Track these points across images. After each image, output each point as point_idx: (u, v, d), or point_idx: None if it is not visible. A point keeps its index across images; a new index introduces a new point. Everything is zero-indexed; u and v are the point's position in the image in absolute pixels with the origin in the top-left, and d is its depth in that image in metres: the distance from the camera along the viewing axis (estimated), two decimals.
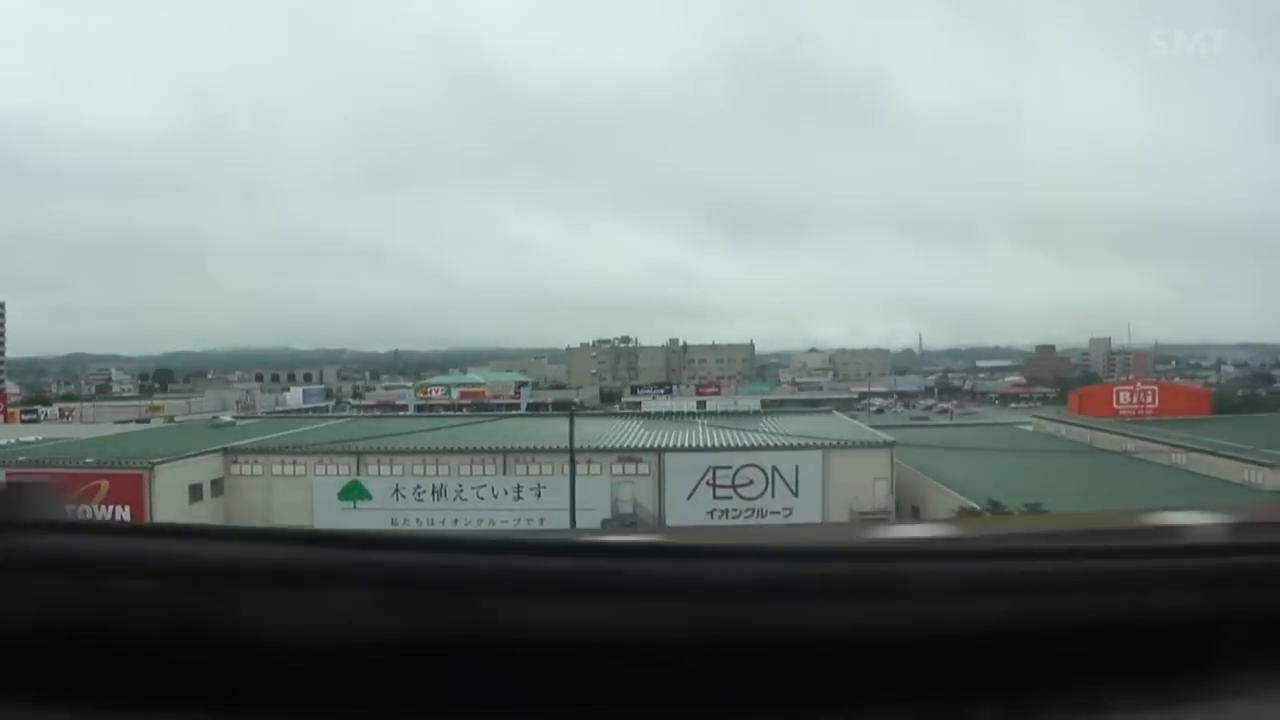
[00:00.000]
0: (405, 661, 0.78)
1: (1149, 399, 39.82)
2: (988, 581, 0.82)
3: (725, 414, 38.53)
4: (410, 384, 78.58)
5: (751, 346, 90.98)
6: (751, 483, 25.71)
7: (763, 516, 25.19)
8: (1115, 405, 39.57)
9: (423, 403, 69.12)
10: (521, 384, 74.65)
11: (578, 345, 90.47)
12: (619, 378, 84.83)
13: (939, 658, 0.80)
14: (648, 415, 37.73)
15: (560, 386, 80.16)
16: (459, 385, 74.54)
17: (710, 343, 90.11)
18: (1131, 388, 41.71)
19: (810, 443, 26.63)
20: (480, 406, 65.65)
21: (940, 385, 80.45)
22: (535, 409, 69.56)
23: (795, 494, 25.50)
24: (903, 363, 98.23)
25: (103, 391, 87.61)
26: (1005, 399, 75.75)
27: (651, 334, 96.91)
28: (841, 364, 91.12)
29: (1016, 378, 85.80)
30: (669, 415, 38.67)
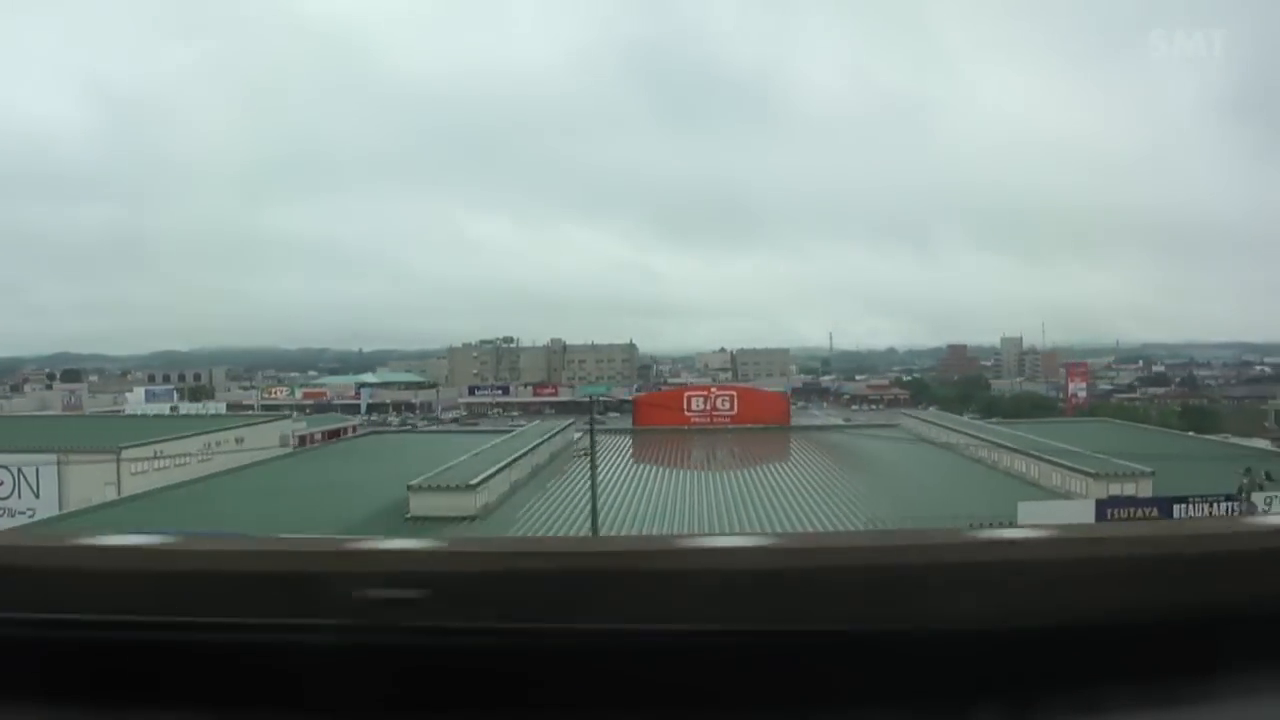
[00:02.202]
0: (405, 661, 0.77)
1: (726, 405, 34.90)
2: (988, 580, 0.81)
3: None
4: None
5: (632, 346, 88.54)
6: None
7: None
8: (686, 412, 34.61)
9: (268, 402, 69.75)
10: (362, 385, 74.43)
11: (459, 345, 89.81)
12: (500, 377, 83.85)
13: (940, 657, 0.79)
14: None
15: (421, 386, 79.52)
16: (302, 386, 74.97)
17: (589, 343, 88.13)
18: (705, 392, 36.41)
19: None
20: (320, 408, 65.72)
21: (808, 386, 77.16)
22: (374, 410, 69.43)
23: None
24: (850, 362, 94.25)
25: None
26: (856, 400, 72.95)
27: (603, 333, 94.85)
28: (743, 363, 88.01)
29: (878, 379, 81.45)
30: None
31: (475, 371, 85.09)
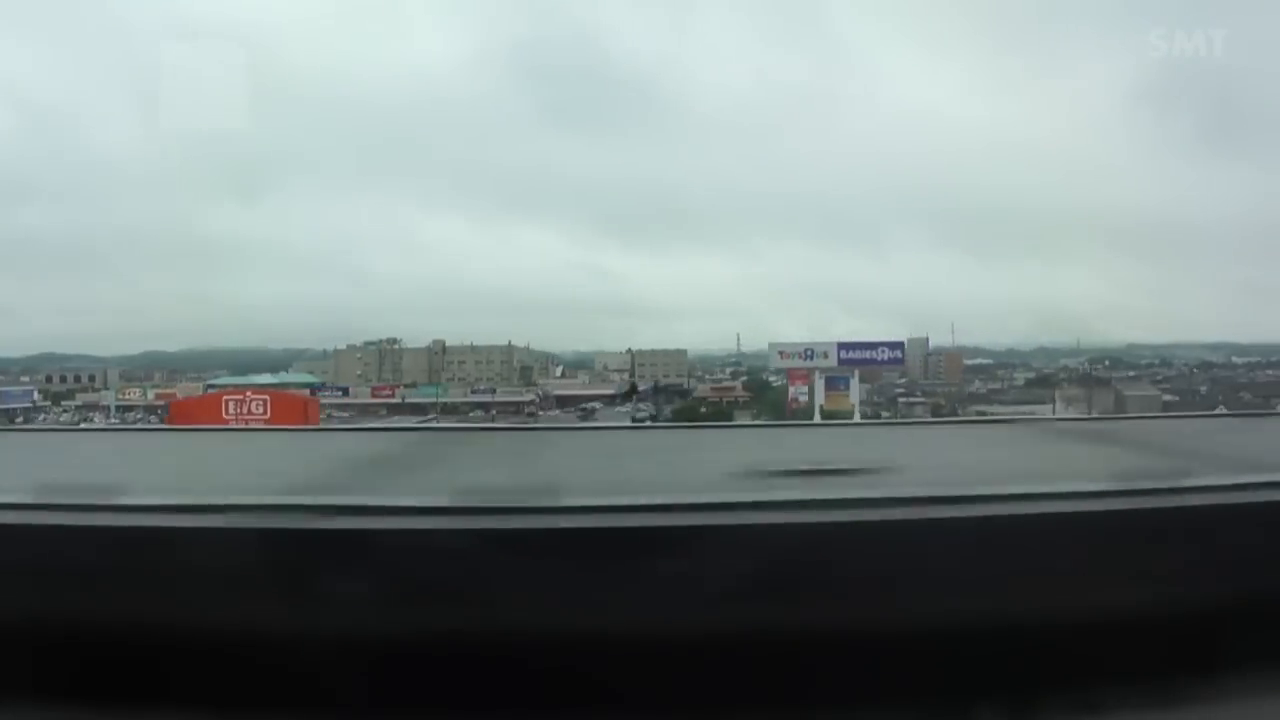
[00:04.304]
0: (405, 661, 0.78)
1: (260, 409, 35.98)
2: (988, 579, 0.82)
3: None
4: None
5: (510, 348, 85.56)
6: None
7: None
8: (225, 415, 35.47)
9: (123, 403, 69.56)
10: (210, 385, 73.38)
11: (344, 346, 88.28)
12: (384, 378, 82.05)
13: (942, 657, 0.80)
14: None
15: (300, 386, 78.30)
16: (154, 388, 74.37)
17: (469, 344, 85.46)
18: (241, 396, 38.09)
19: None
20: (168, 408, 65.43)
21: (656, 387, 73.70)
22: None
23: None
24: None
25: None
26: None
27: (565, 334, 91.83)
28: (640, 364, 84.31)
29: (731, 382, 76.58)
30: None
31: (359, 373, 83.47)
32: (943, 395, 59.86)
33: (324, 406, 73.06)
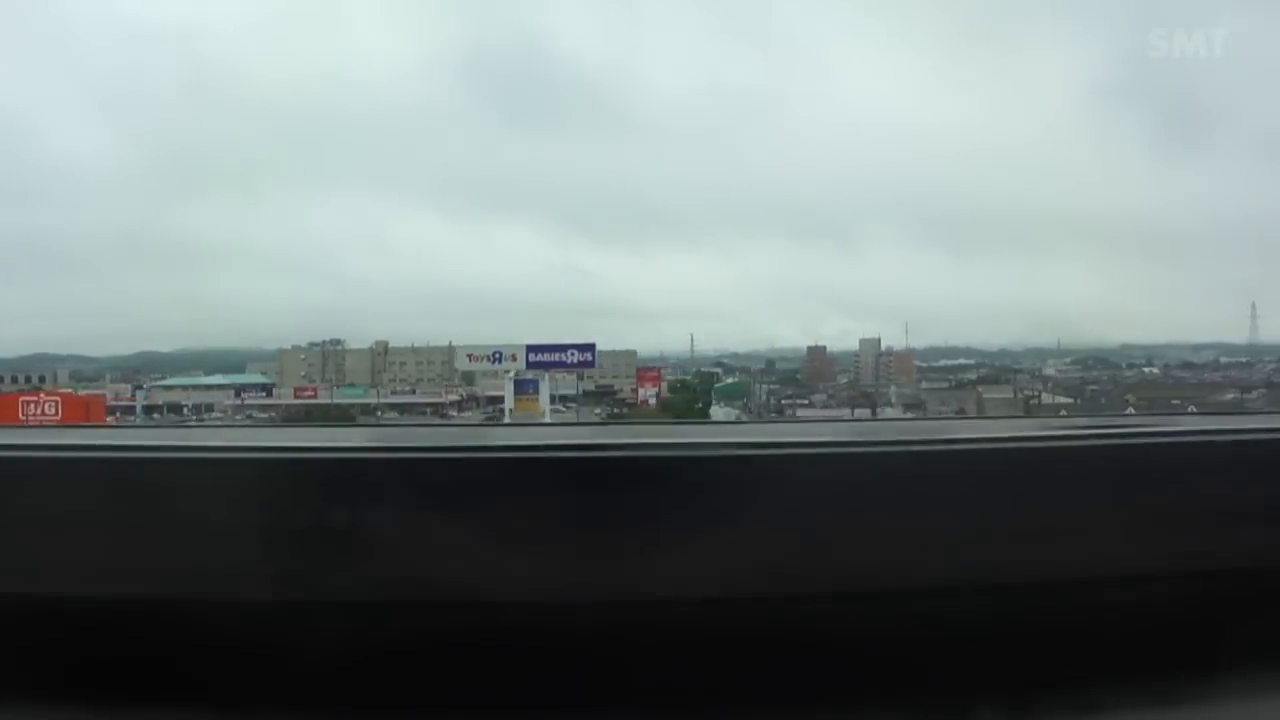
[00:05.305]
0: (405, 661, 0.78)
1: (52, 410, 34.89)
2: (988, 579, 0.83)
3: None
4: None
5: (451, 349, 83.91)
6: None
7: None
8: (21, 416, 34.55)
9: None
10: (138, 387, 72.49)
11: (289, 347, 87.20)
12: (327, 379, 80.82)
13: (941, 657, 0.81)
14: None
15: (246, 387, 77.37)
16: (82, 387, 73.76)
17: (410, 345, 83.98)
18: (35, 398, 37.04)
19: None
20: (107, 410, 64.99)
21: (601, 389, 71.67)
22: (150, 411, 67.59)
23: None
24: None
25: None
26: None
27: (550, 335, 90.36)
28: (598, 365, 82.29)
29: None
30: None
31: (303, 373, 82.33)
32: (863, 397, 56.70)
33: (246, 406, 71.94)
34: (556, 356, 42.90)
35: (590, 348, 45.70)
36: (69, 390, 57.30)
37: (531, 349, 42.77)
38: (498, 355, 43.64)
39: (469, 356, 45.51)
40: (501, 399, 56.66)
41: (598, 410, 51.76)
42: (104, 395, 75.33)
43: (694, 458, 0.84)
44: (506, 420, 30.29)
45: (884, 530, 0.79)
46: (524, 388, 41.90)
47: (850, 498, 0.79)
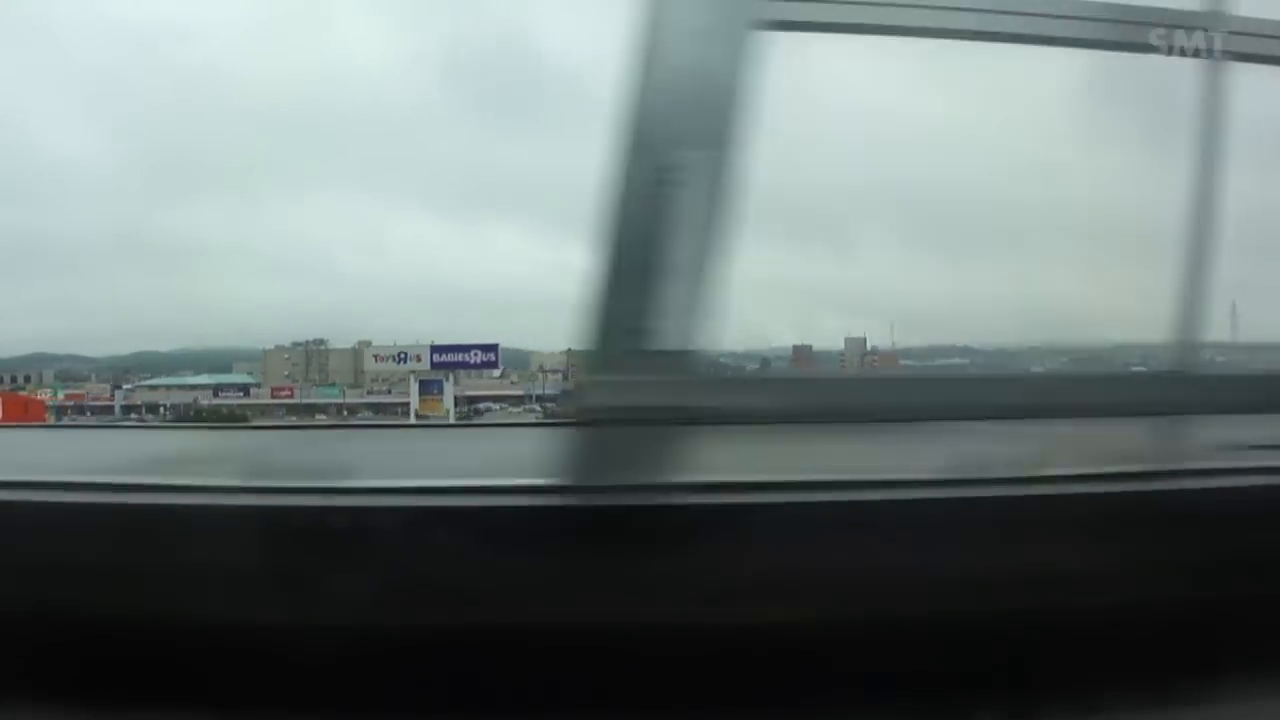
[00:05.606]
0: (405, 661, 0.80)
1: None
2: (988, 579, 0.84)
3: None
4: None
5: (358, 350, 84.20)
6: None
7: None
8: None
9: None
10: (117, 387, 72.46)
11: (272, 347, 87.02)
12: (311, 379, 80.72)
13: (941, 658, 0.83)
14: None
15: (230, 387, 77.22)
16: (63, 388, 73.64)
17: (391, 344, 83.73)
18: None
19: None
20: (78, 409, 64.78)
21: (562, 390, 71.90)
22: (129, 411, 67.71)
23: None
24: None
25: None
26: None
27: (546, 333, 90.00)
28: (574, 364, 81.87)
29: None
30: None
31: (287, 373, 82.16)
32: None
33: (224, 405, 71.87)
34: (460, 357, 42.65)
35: (494, 348, 45.41)
36: (27, 392, 57.63)
37: (436, 349, 42.51)
38: (403, 356, 43.39)
39: (375, 357, 45.27)
40: (482, 400, 55.82)
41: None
42: (83, 394, 74.82)
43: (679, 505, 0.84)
44: (412, 420, 29.93)
45: (878, 566, 0.79)
46: (429, 388, 41.64)
47: (849, 541, 0.79)
